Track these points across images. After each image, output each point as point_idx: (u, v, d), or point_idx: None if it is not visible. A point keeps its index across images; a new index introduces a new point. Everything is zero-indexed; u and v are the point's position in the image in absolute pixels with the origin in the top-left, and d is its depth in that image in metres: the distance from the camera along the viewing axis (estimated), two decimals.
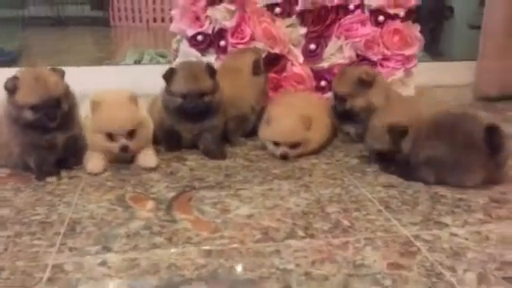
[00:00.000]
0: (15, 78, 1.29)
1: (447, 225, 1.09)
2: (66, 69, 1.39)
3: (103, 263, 0.95)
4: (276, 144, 1.48)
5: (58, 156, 1.37)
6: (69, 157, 1.39)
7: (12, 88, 1.27)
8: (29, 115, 1.28)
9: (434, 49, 2.87)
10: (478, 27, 2.26)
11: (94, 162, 1.38)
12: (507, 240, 1.03)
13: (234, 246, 1.01)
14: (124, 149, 1.36)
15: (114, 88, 1.45)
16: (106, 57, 3.46)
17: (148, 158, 1.43)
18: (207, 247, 1.01)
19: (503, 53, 2.16)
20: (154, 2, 5.26)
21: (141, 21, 5.36)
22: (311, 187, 1.30)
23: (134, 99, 1.40)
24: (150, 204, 1.20)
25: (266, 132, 1.50)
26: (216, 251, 0.99)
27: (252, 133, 1.66)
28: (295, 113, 1.48)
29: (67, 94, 1.34)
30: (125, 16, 5.36)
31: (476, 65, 2.25)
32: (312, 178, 1.36)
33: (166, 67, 1.55)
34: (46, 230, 1.06)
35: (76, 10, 5.34)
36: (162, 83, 1.52)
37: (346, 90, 1.59)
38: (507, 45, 2.15)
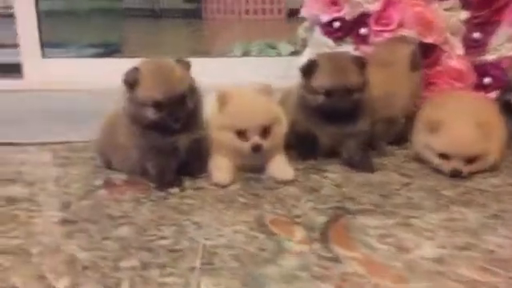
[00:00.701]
0: (136, 69, 1.08)
1: None
2: None
3: None
4: (445, 157, 1.16)
5: (180, 162, 1.15)
6: (192, 163, 1.16)
7: (133, 81, 1.07)
8: (151, 114, 1.07)
9: None
10: None
11: (221, 170, 1.15)
12: None
13: None
14: (257, 148, 1.11)
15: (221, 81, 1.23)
16: (202, 49, 3.30)
17: (282, 167, 1.18)
18: None
19: None
20: None
21: (233, 13, 5.19)
22: (509, 220, 0.97)
23: (268, 91, 1.16)
24: (299, 232, 0.94)
25: (431, 141, 1.18)
26: None
27: (400, 139, 1.36)
28: (471, 118, 1.16)
29: (193, 90, 1.11)
30: (217, 8, 5.22)
31: None
32: (503, 206, 1.03)
33: (277, 60, 1.30)
34: (178, 262, 0.83)
35: (170, 2, 5.29)
36: (274, 76, 1.26)
37: None
38: None
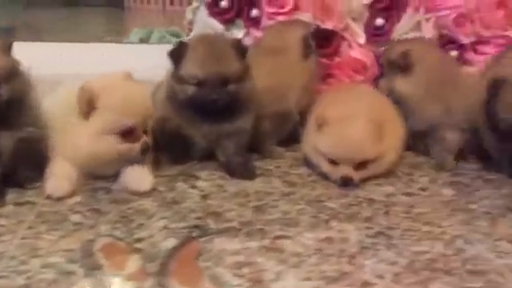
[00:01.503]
0: None
1: None
2: (52, 45, 0.91)
3: None
4: (333, 162, 0.99)
5: (4, 169, 0.90)
6: (19, 170, 0.92)
7: None
8: None
9: None
10: None
11: (57, 179, 0.91)
12: None
13: None
14: (146, 148, 0.94)
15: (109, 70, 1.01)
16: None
17: (139, 175, 0.95)
18: None
19: None
20: None
21: (156, 3, 4.88)
22: (394, 238, 0.81)
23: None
24: (134, 262, 0.72)
25: (318, 143, 1.00)
26: None
27: (290, 140, 1.18)
28: (363, 115, 0.99)
29: (11, 75, 0.87)
30: None
31: None
32: (391, 220, 0.87)
33: None
34: None
35: None
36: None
37: None
38: None
